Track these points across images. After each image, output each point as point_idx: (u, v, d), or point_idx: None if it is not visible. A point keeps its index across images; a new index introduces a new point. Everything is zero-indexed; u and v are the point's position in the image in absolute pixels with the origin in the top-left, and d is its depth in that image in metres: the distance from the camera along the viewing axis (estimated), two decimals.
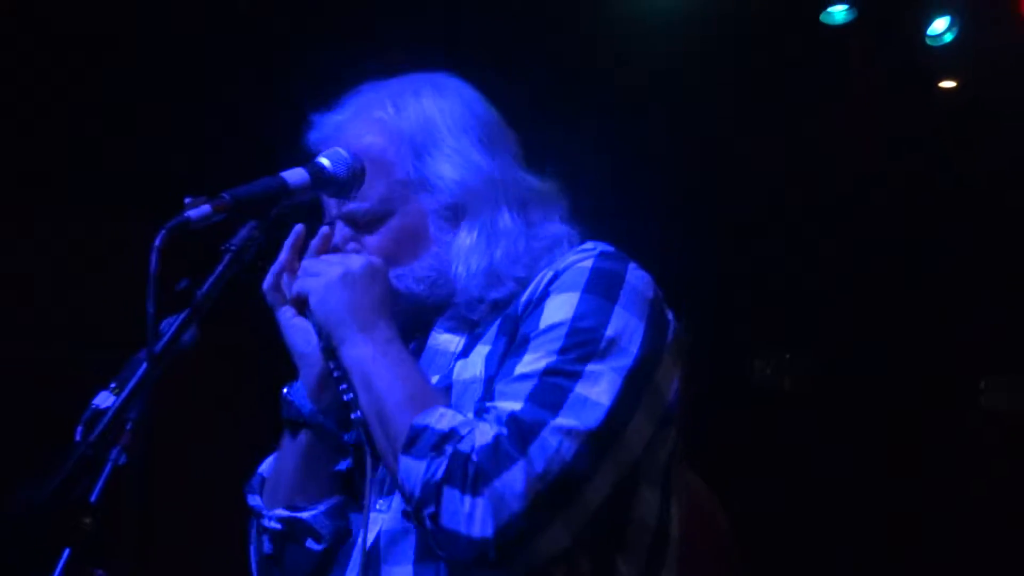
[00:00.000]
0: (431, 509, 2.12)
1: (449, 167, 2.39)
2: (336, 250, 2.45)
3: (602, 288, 2.23)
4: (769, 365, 7.87)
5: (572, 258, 2.30)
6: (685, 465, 2.40)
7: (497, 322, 2.32)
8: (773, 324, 7.56)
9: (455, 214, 2.38)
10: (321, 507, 2.43)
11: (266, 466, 2.52)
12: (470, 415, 2.19)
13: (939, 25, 6.59)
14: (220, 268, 2.19)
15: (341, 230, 2.44)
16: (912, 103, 6.92)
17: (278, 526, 2.44)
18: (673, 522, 2.32)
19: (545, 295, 2.25)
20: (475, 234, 2.36)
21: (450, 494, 2.10)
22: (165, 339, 2.11)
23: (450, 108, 2.44)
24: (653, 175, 6.54)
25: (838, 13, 6.47)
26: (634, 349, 2.19)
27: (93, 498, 1.97)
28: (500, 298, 2.33)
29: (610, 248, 2.33)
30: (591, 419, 2.12)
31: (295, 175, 2.31)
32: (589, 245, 2.34)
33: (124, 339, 2.15)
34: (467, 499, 2.09)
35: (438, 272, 2.38)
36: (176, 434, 2.42)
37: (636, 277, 2.27)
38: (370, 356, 2.28)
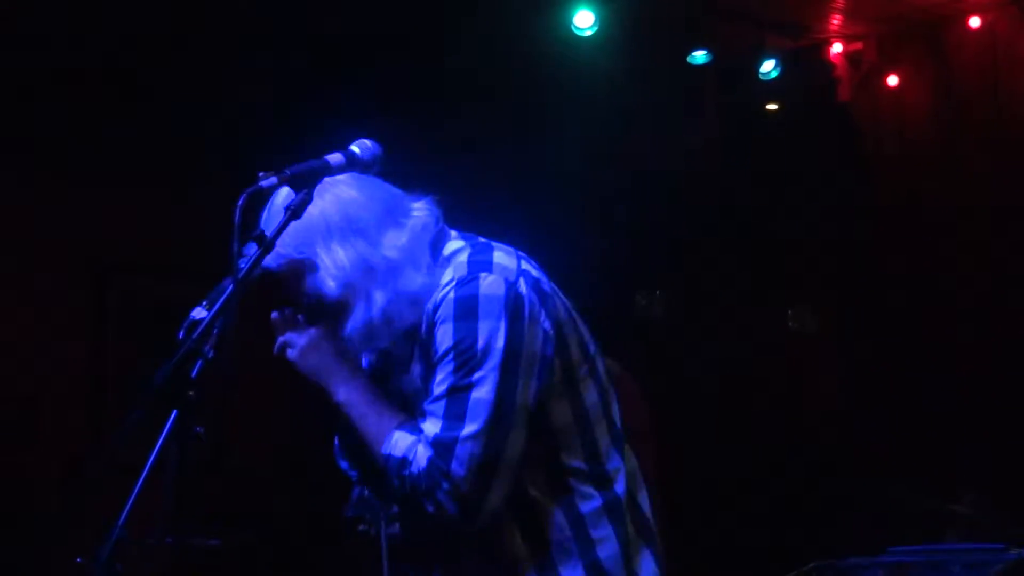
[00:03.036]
0: (416, 508, 2.17)
1: (328, 278, 2.21)
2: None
3: (465, 312, 2.15)
4: (645, 299, 7.86)
5: (442, 292, 2.19)
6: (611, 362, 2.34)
7: (416, 349, 2.25)
8: (648, 270, 7.55)
9: (344, 303, 2.21)
10: None
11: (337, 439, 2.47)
12: (417, 420, 2.18)
13: (768, 66, 6.64)
14: (281, 221, 2.13)
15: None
16: (748, 117, 6.97)
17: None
18: (589, 408, 2.26)
19: (434, 324, 2.18)
20: (359, 309, 2.20)
21: (417, 502, 2.15)
22: (243, 271, 2.08)
23: (319, 215, 2.21)
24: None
25: (700, 57, 6.50)
26: (500, 344, 2.13)
27: (192, 376, 1.98)
28: (387, 344, 2.25)
29: (464, 271, 2.20)
30: (483, 416, 2.11)
31: (334, 158, 2.22)
32: (449, 275, 2.21)
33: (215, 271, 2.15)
34: (427, 502, 2.13)
35: (361, 327, 2.21)
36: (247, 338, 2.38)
37: (487, 287, 2.16)
38: (344, 401, 2.23)
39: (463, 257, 2.23)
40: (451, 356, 2.14)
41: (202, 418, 1.98)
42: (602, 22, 6.04)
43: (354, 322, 2.21)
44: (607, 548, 2.21)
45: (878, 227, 6.91)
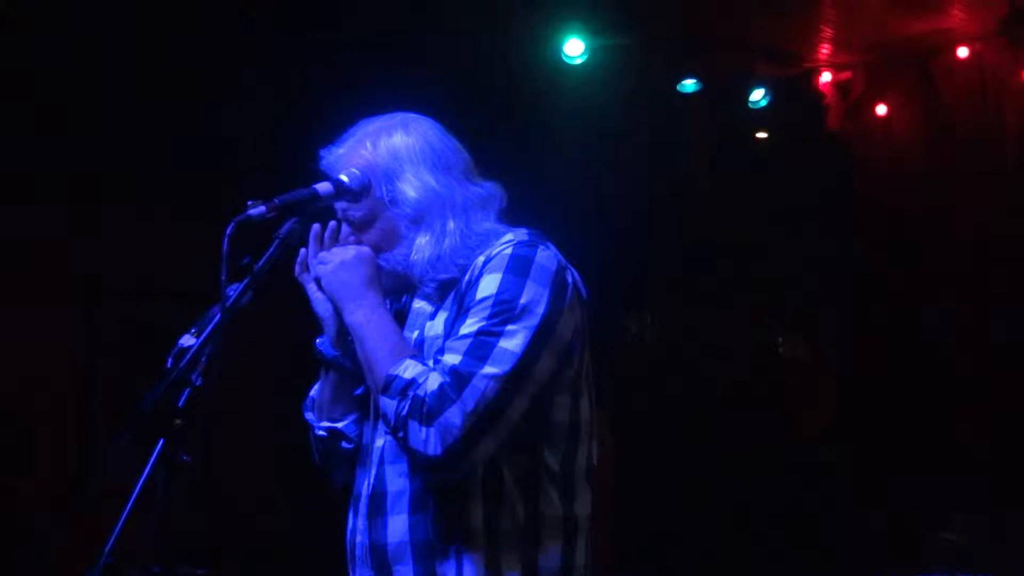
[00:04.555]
0: (400, 434, 2.13)
1: (410, 189, 2.33)
2: (335, 242, 2.43)
3: (518, 269, 2.20)
4: (635, 324, 7.88)
5: (498, 248, 2.26)
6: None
7: (452, 295, 2.30)
8: (637, 295, 7.56)
9: (416, 221, 2.33)
10: (349, 419, 2.42)
11: (314, 391, 2.50)
12: (431, 363, 2.18)
13: (757, 95, 6.67)
14: (271, 250, 2.19)
15: (345, 229, 2.41)
16: (737, 146, 6.99)
17: (324, 434, 2.44)
18: (582, 414, 2.29)
19: (480, 275, 2.23)
20: (428, 236, 2.31)
21: (412, 425, 2.11)
22: (231, 299, 2.11)
23: (413, 143, 2.38)
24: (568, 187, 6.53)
25: (689, 85, 6.53)
26: (540, 311, 2.17)
27: (180, 404, 1.98)
28: (447, 279, 2.30)
29: (525, 237, 2.29)
30: (507, 364, 2.12)
31: (323, 187, 2.31)
32: (510, 236, 2.29)
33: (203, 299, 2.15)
34: (423, 429, 2.10)
35: (407, 259, 2.34)
36: (236, 366, 2.39)
37: (543, 257, 2.23)
38: (361, 321, 2.27)
39: (522, 233, 2.30)
40: (490, 303, 2.17)
41: (189, 446, 1.98)
42: (592, 51, 6.07)
43: (421, 249, 2.30)
44: (550, 559, 2.20)
45: (867, 254, 6.92)
